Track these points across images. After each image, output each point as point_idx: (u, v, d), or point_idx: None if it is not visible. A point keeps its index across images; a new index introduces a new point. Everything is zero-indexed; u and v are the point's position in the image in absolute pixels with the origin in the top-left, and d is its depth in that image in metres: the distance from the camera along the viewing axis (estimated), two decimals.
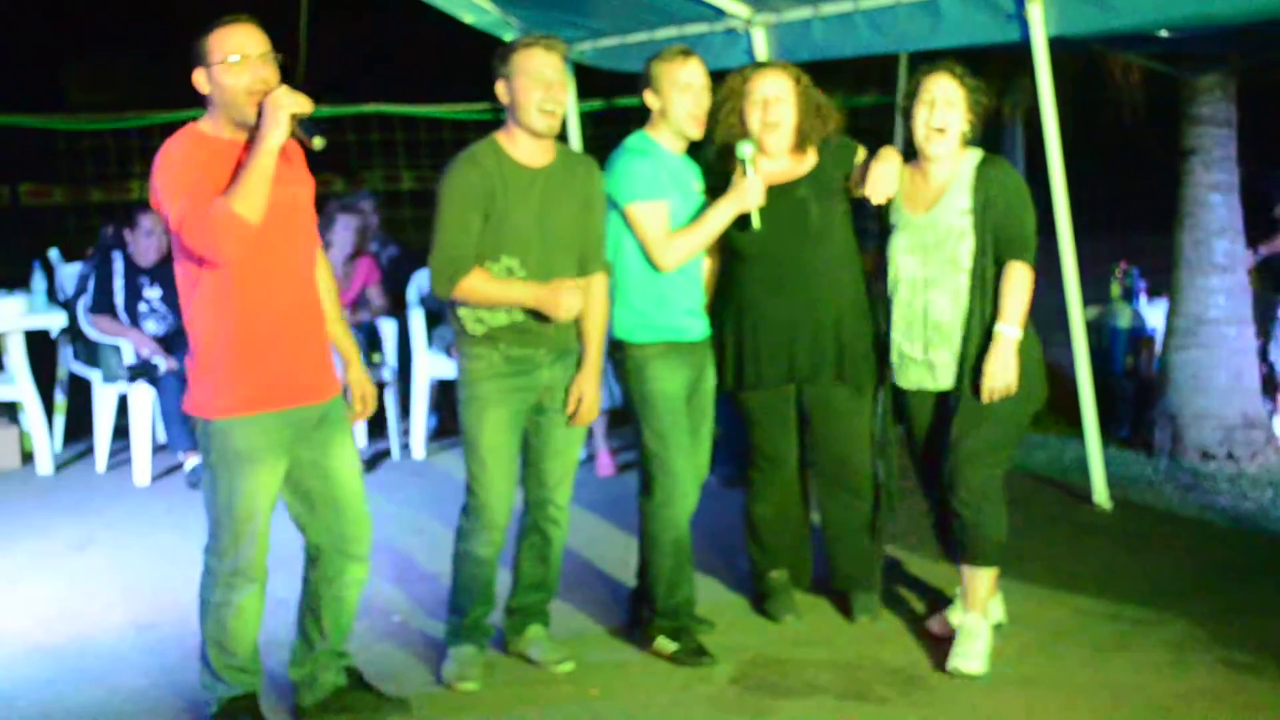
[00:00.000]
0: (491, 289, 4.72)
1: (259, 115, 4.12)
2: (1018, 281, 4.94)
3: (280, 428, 4.33)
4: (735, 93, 5.22)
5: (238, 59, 4.14)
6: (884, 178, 5.09)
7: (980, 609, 5.06)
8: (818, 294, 5.23)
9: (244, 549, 4.36)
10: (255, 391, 4.28)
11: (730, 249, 5.24)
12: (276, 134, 4.09)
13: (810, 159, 5.29)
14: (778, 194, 5.17)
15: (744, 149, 5.08)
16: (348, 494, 4.53)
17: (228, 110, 4.19)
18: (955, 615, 5.22)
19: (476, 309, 4.77)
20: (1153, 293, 8.98)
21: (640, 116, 5.20)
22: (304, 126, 4.17)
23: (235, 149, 4.17)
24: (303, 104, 4.12)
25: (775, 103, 5.17)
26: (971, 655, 4.95)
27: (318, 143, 4.20)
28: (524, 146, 4.77)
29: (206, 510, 4.40)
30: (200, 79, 4.20)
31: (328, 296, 4.59)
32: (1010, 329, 4.91)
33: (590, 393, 4.95)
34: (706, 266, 5.32)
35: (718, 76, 5.28)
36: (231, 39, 4.16)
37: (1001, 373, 4.91)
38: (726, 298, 5.31)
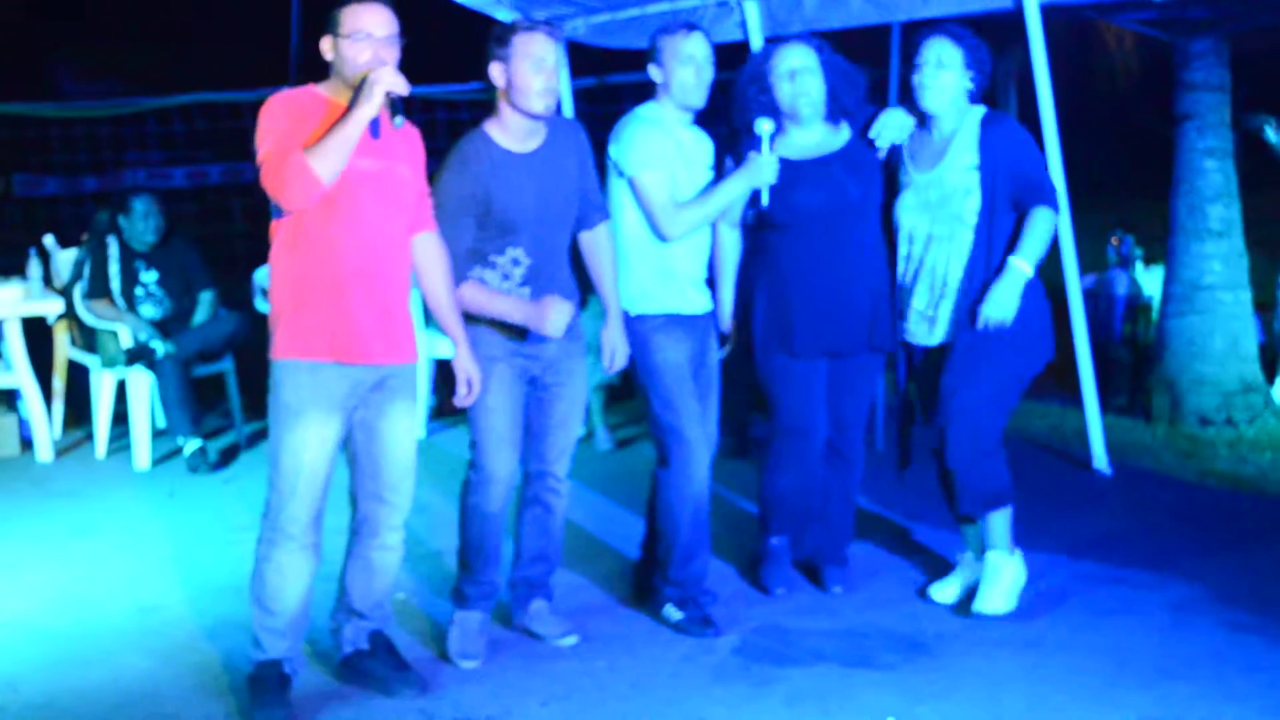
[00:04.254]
0: (483, 300, 4.76)
1: (359, 87, 4.26)
2: (1039, 221, 4.97)
3: (332, 382, 4.40)
4: (760, 73, 5.23)
5: (364, 36, 4.32)
6: (894, 123, 5.16)
7: (1001, 544, 5.15)
8: (857, 269, 5.23)
9: (288, 504, 4.44)
10: (309, 339, 4.38)
11: (768, 220, 5.23)
12: (368, 107, 4.24)
13: (845, 133, 5.29)
14: (814, 168, 5.19)
15: (763, 125, 5.10)
16: (390, 459, 4.60)
17: (344, 79, 4.36)
18: (951, 589, 5.27)
19: None
20: (1149, 260, 8.99)
21: (634, 93, 5.21)
22: (393, 105, 4.34)
23: (338, 112, 4.31)
24: (399, 85, 4.27)
25: (802, 73, 5.18)
26: (995, 596, 5.07)
27: (397, 121, 4.38)
28: (516, 130, 4.77)
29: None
30: (326, 45, 4.40)
31: (437, 281, 4.68)
32: (1022, 263, 4.93)
33: (620, 342, 5.04)
34: (730, 236, 5.33)
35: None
36: (362, 16, 4.36)
37: (1001, 303, 4.92)
38: (762, 267, 5.31)
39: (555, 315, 4.74)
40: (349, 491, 4.68)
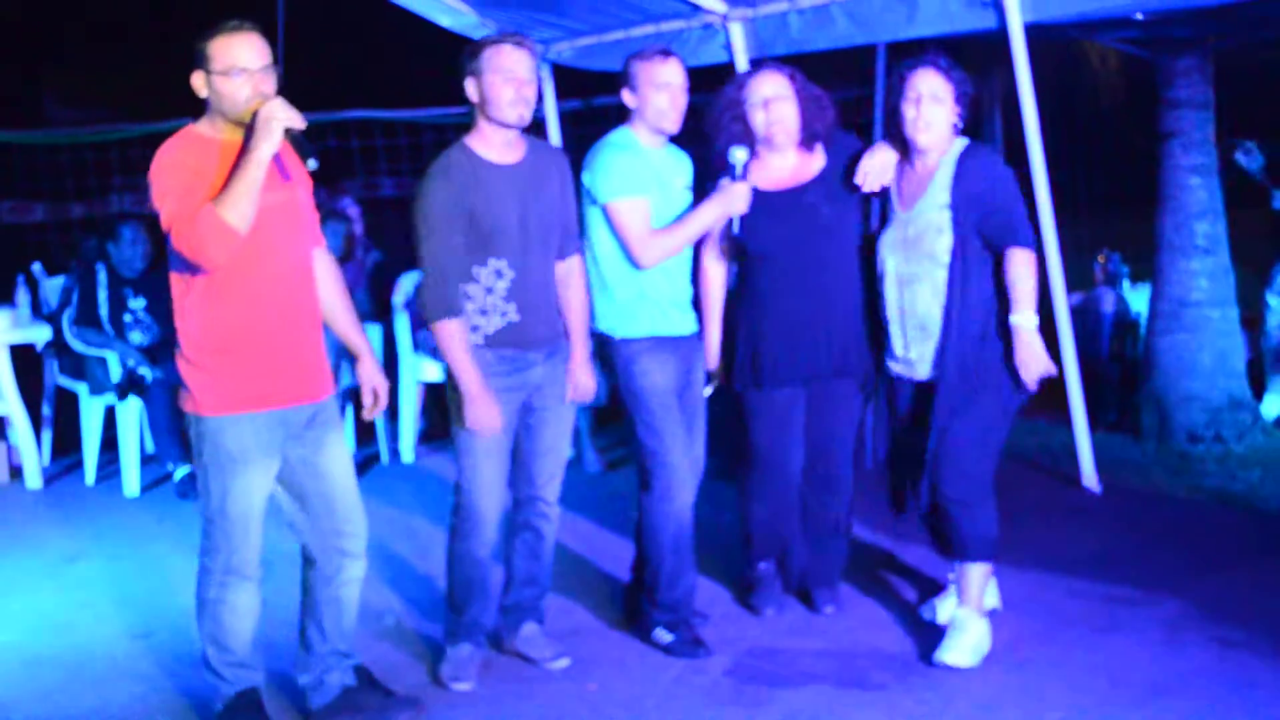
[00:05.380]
0: (455, 350, 4.70)
1: (252, 124, 4.11)
2: (1020, 268, 4.87)
3: (271, 428, 4.35)
4: (734, 101, 5.21)
5: (239, 72, 4.15)
6: (876, 169, 5.11)
7: (973, 604, 5.04)
8: (832, 291, 5.20)
9: (237, 547, 4.40)
10: (246, 391, 4.30)
11: (744, 248, 5.22)
12: (267, 147, 4.09)
13: (819, 160, 5.26)
14: (790, 197, 5.18)
15: (736, 153, 5.08)
16: (340, 491, 4.55)
17: (225, 116, 4.20)
18: (947, 607, 5.22)
19: (473, 317, 4.77)
20: (1136, 277, 9.01)
21: (619, 115, 5.21)
22: (299, 144, 4.20)
23: (231, 150, 4.16)
24: (295, 120, 4.14)
25: (776, 101, 5.16)
26: (958, 649, 4.92)
27: (310, 164, 4.25)
28: (495, 144, 4.77)
29: (201, 510, 4.43)
30: (199, 82, 4.21)
31: (333, 293, 4.60)
32: (1024, 317, 4.85)
33: (585, 375, 5.02)
34: (716, 270, 5.32)
35: (696, 73, 5.29)
36: (233, 50, 4.17)
37: (1032, 362, 4.85)
38: (743, 298, 5.30)
39: (485, 414, 4.70)
40: (300, 547, 4.64)
